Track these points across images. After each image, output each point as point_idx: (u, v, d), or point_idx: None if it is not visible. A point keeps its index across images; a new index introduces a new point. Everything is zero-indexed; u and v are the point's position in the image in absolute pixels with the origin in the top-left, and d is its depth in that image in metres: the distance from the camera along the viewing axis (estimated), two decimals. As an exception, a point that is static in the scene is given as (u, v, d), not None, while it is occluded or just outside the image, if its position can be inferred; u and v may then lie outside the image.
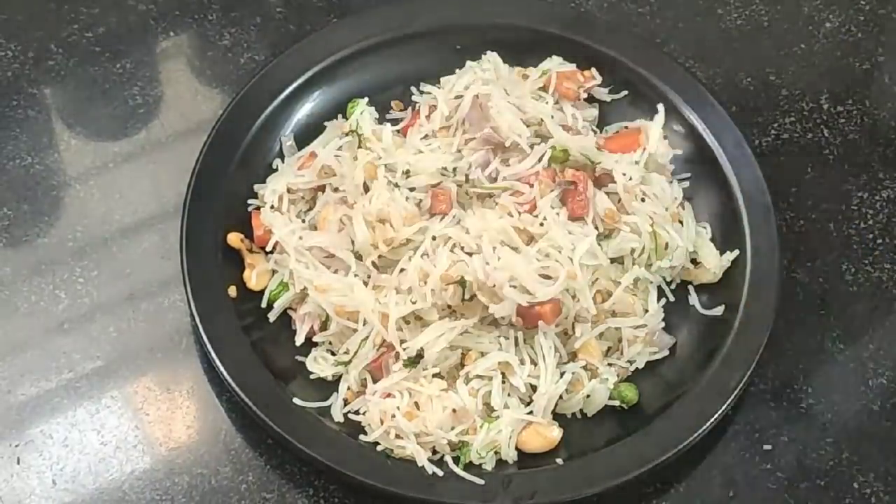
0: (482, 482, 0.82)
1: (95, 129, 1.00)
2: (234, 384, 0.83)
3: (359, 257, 0.88)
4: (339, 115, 0.97)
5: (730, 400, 0.85)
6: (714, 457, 0.87)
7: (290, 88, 0.97)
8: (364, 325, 0.86)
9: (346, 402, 0.86)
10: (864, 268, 0.96)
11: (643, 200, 0.91)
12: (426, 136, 0.92)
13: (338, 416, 0.85)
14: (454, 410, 0.83)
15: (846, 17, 1.08)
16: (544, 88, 0.96)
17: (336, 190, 0.91)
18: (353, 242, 0.88)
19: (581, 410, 0.87)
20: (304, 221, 0.92)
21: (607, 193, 0.90)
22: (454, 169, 0.89)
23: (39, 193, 0.96)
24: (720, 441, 0.88)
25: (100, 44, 1.03)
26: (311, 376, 0.87)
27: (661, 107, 0.96)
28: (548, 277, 0.84)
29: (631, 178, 0.90)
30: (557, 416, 0.86)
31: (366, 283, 0.87)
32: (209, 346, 0.85)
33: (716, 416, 0.84)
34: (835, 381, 0.91)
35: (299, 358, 0.88)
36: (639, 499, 0.85)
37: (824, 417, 0.90)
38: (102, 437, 0.86)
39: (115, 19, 1.05)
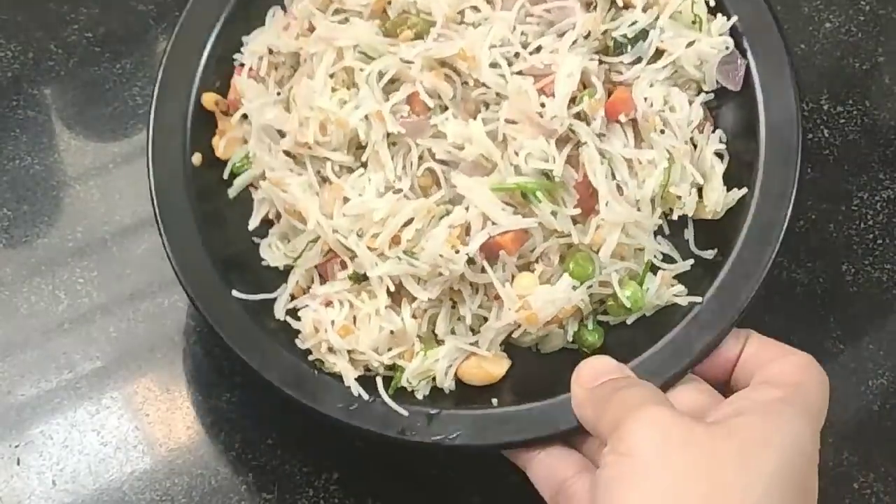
0: (406, 414, 0.77)
1: (95, 129, 1.00)
2: (176, 269, 0.79)
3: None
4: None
5: (691, 358, 0.77)
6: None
7: None
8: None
9: (292, 298, 0.81)
10: (864, 268, 0.96)
11: (662, 132, 0.81)
12: None
13: (280, 312, 0.81)
14: (392, 332, 0.78)
15: (846, 17, 1.08)
16: None
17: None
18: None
19: (537, 346, 0.82)
20: (279, 94, 0.85)
21: (622, 124, 0.81)
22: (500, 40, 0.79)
23: (39, 193, 0.96)
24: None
25: (100, 44, 1.03)
26: (263, 263, 0.83)
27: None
28: (511, 205, 0.78)
29: (652, 105, 0.81)
30: (510, 347, 0.81)
31: (325, 180, 0.81)
32: (161, 223, 0.80)
33: (672, 374, 0.77)
34: (835, 381, 0.91)
35: (256, 240, 0.84)
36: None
37: (824, 417, 0.90)
38: (102, 437, 0.86)
39: (115, 19, 1.05)
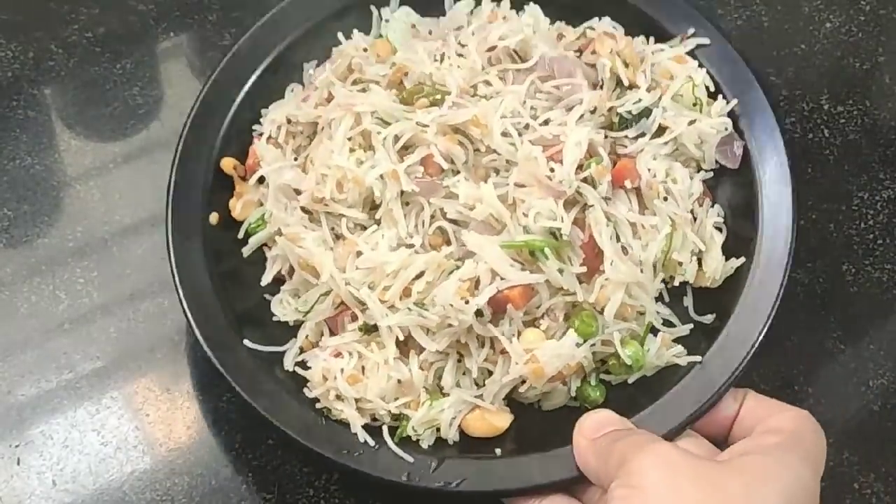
0: (412, 460, 0.79)
1: (95, 129, 1.00)
2: (193, 322, 0.82)
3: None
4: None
5: (690, 414, 0.79)
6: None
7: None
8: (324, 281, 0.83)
9: (302, 351, 0.84)
10: (864, 268, 0.96)
11: (665, 199, 0.86)
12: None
13: (289, 363, 0.84)
14: (399, 381, 0.81)
15: (846, 17, 1.08)
16: (580, 51, 0.91)
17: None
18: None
19: (539, 404, 0.84)
20: (296, 159, 0.89)
21: (626, 190, 0.85)
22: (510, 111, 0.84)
23: (39, 193, 0.96)
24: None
25: (100, 44, 1.03)
26: (273, 318, 0.86)
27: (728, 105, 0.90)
28: (519, 262, 0.81)
29: (655, 175, 0.86)
30: (514, 403, 0.83)
31: (338, 237, 0.84)
32: (176, 276, 0.83)
33: (671, 429, 0.79)
34: (835, 381, 0.91)
35: (267, 297, 0.87)
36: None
37: (824, 417, 0.89)
38: (102, 437, 0.86)
39: (115, 19, 1.05)
